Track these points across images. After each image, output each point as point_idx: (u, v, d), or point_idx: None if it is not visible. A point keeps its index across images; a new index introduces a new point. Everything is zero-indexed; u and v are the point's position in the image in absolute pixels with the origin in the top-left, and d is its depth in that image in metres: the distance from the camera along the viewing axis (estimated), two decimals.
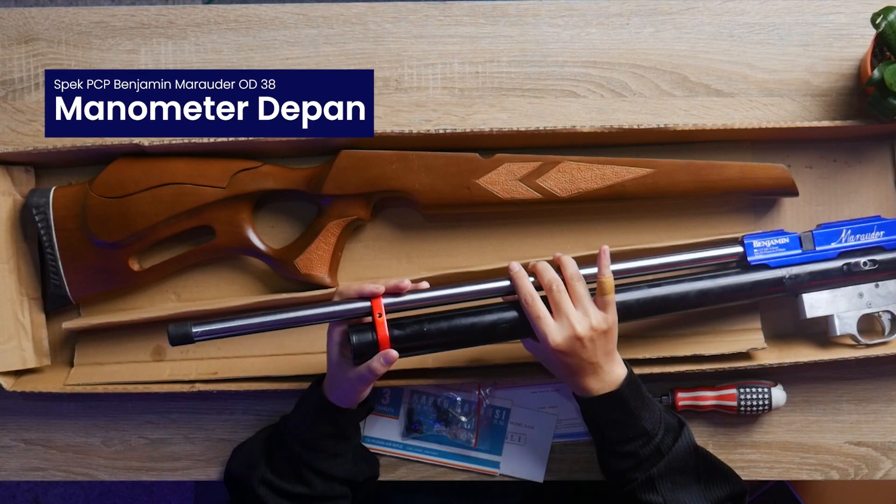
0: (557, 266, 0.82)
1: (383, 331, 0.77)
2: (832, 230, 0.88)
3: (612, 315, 0.80)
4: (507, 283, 0.82)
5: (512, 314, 0.81)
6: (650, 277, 0.87)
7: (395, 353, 0.77)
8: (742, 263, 0.88)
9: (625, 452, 0.80)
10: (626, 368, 0.82)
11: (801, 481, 1.27)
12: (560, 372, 0.81)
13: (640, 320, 0.90)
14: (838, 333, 0.89)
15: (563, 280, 0.80)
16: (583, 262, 0.85)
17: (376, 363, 0.78)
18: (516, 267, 0.81)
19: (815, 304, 0.88)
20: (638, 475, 0.80)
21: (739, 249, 0.88)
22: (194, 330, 0.76)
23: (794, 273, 0.87)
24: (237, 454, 0.91)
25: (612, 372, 0.80)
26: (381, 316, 0.77)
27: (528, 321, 0.80)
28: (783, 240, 0.88)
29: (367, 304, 0.78)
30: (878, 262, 0.87)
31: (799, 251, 0.88)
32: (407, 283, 0.79)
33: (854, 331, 0.89)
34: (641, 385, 0.82)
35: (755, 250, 0.87)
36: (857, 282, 0.89)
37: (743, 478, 0.94)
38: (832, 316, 0.89)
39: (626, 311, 0.85)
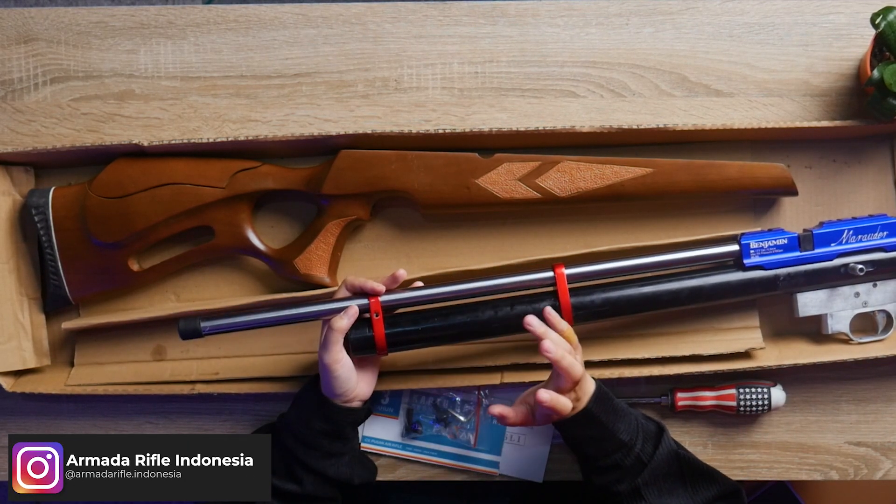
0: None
1: (380, 327, 0.83)
2: (833, 230, 0.87)
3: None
4: (499, 281, 0.85)
5: (503, 311, 0.84)
6: (644, 276, 0.87)
7: (355, 308, 0.82)
8: (739, 262, 0.87)
9: (606, 466, 0.80)
10: (594, 383, 0.81)
11: (801, 481, 1.27)
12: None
13: (637, 317, 0.90)
14: (830, 332, 0.90)
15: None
16: (580, 260, 0.86)
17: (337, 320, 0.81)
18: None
19: (809, 303, 0.88)
20: (622, 487, 0.80)
21: (735, 248, 0.87)
22: (203, 324, 0.82)
23: (789, 274, 0.87)
24: None
25: (580, 390, 0.80)
26: (377, 315, 0.83)
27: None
28: (781, 240, 0.87)
29: (366, 301, 0.83)
30: (876, 265, 0.87)
31: (797, 252, 0.87)
32: (402, 273, 0.83)
33: (846, 329, 0.89)
34: (612, 398, 0.82)
35: (752, 251, 0.87)
36: (853, 282, 0.88)
37: (743, 478, 0.94)
38: (825, 315, 0.89)
39: (616, 309, 0.85)
